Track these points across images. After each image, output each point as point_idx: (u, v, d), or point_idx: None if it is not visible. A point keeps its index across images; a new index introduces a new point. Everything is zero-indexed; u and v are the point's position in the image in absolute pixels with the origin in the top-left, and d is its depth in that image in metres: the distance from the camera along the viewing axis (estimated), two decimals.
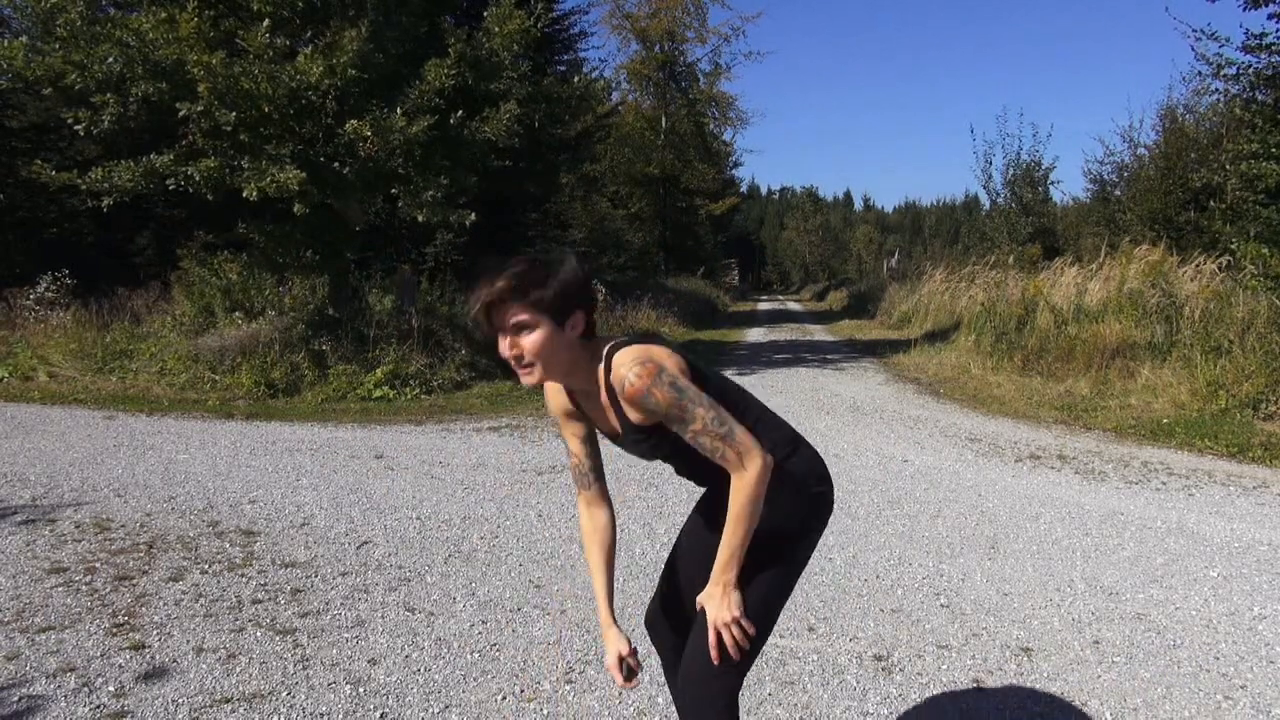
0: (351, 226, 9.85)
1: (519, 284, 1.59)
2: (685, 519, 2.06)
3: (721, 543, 1.68)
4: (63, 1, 7.98)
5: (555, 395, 1.86)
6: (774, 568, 1.76)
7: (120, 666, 2.85)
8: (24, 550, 3.94)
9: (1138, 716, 2.73)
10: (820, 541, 1.90)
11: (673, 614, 1.97)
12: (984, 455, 6.57)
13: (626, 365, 1.64)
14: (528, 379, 1.65)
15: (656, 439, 1.73)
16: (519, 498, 5.13)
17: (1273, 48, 8.93)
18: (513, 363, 1.63)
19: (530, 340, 1.61)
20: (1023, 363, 10.44)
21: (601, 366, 1.69)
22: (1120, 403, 8.41)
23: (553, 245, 17.70)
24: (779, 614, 1.80)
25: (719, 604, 1.68)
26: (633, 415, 1.69)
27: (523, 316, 1.59)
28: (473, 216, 9.18)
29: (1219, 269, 10.50)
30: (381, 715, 2.62)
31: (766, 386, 10.17)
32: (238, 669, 2.87)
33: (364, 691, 2.75)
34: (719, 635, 1.67)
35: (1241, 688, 2.92)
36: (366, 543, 4.23)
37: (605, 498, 1.93)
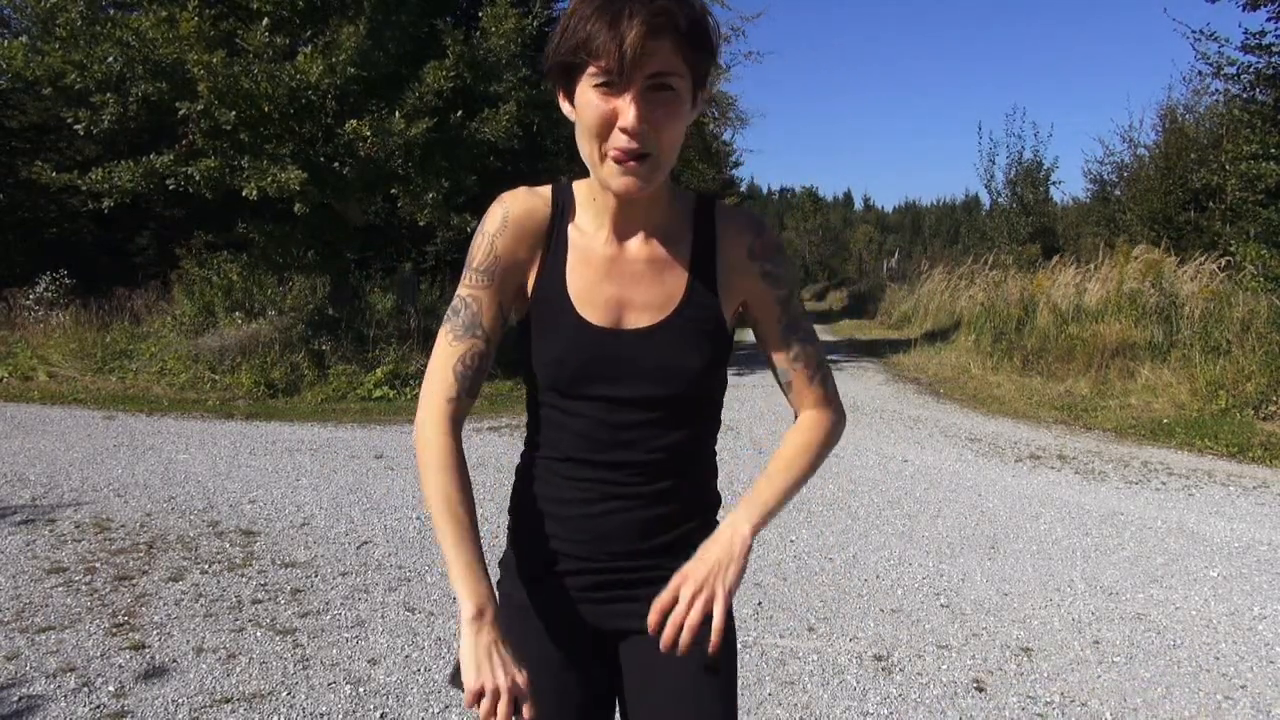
0: (351, 226, 9.86)
1: (698, 18, 1.06)
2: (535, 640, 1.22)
3: (764, 484, 1.19)
4: (63, 1, 7.98)
5: (522, 230, 1.18)
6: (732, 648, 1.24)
7: (120, 666, 2.85)
8: (24, 550, 3.94)
9: (1138, 716, 2.73)
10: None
11: None
12: (984, 455, 6.57)
13: (747, 211, 1.27)
14: (636, 177, 1.07)
15: (711, 332, 1.18)
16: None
17: (1272, 48, 8.95)
18: (626, 146, 1.05)
19: (668, 109, 1.05)
20: (1022, 363, 10.44)
21: (690, 206, 1.21)
22: (1120, 403, 8.41)
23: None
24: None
25: (722, 570, 1.09)
26: (735, 282, 1.20)
27: (675, 64, 1.04)
28: (476, 224, 9.19)
29: (1218, 269, 10.51)
30: (381, 715, 2.62)
31: (766, 386, 10.16)
32: (238, 669, 2.87)
33: (364, 691, 2.75)
34: (687, 625, 1.06)
35: (1241, 688, 2.92)
36: (366, 543, 4.23)
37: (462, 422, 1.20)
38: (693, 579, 1.09)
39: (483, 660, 1.04)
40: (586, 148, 1.09)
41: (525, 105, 9.64)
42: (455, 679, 1.07)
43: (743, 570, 1.11)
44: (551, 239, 1.20)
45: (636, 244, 1.19)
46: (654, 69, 1.03)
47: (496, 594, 1.13)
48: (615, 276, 1.17)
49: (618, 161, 1.06)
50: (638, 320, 1.17)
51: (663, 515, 1.21)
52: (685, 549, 1.16)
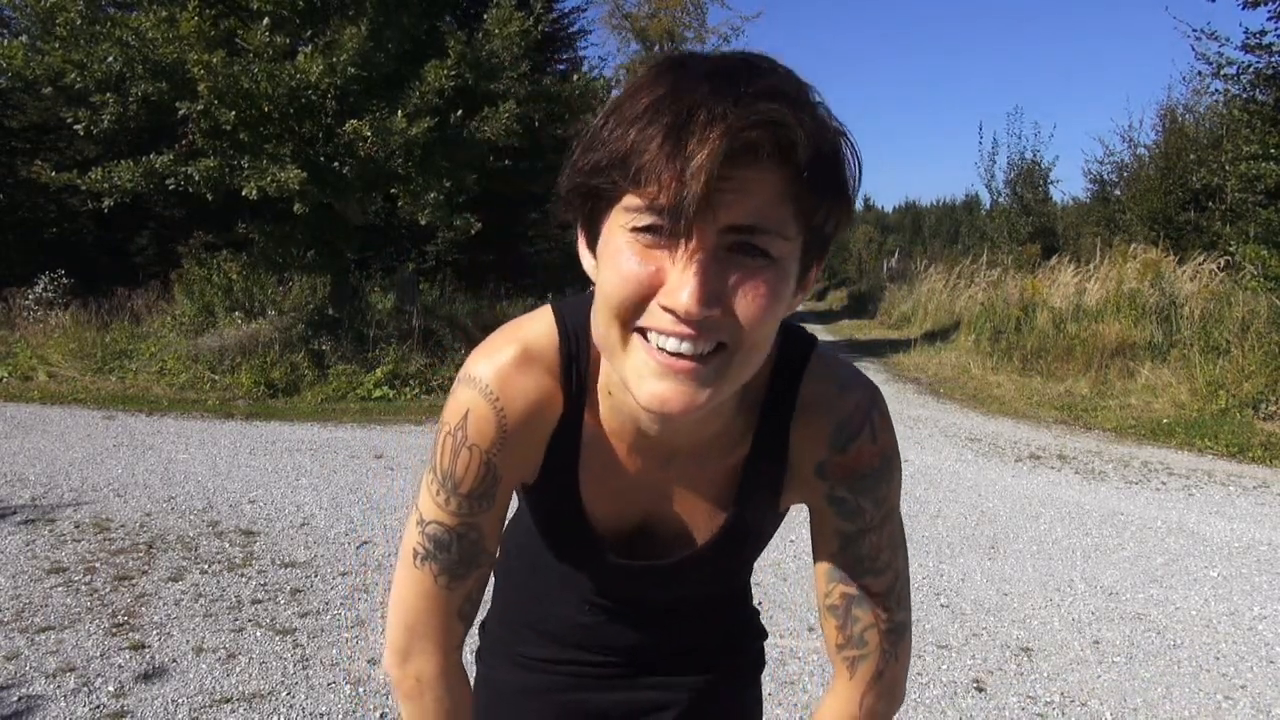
0: (351, 226, 9.86)
1: (828, 141, 0.66)
2: None
3: None
4: (63, 1, 7.98)
5: (527, 438, 0.85)
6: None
7: (120, 666, 2.85)
8: (24, 550, 3.94)
9: (1138, 716, 2.73)
10: None
11: None
12: (984, 455, 6.57)
13: (858, 390, 0.83)
14: (687, 389, 0.65)
15: (758, 540, 0.94)
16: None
17: (1272, 47, 8.95)
18: (673, 330, 0.63)
19: (758, 288, 0.64)
20: (1022, 363, 10.44)
21: (759, 395, 0.82)
22: (1120, 403, 8.41)
23: (552, 244, 17.66)
24: None
25: None
26: (797, 491, 0.87)
27: (779, 216, 0.63)
28: (479, 225, 9.20)
29: (1218, 269, 10.51)
30: (381, 715, 2.62)
31: None
32: (238, 669, 2.87)
33: (364, 691, 2.75)
34: None
35: (1241, 688, 2.92)
36: (366, 543, 4.23)
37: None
38: None
39: None
40: (603, 326, 0.68)
41: (526, 100, 9.65)
42: None
43: None
44: (561, 435, 0.85)
45: (675, 462, 0.85)
46: (738, 218, 0.61)
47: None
48: (642, 498, 0.88)
49: (658, 354, 0.64)
50: (669, 548, 0.90)
51: (685, 644, 1.05)
52: (709, 657, 1.06)
